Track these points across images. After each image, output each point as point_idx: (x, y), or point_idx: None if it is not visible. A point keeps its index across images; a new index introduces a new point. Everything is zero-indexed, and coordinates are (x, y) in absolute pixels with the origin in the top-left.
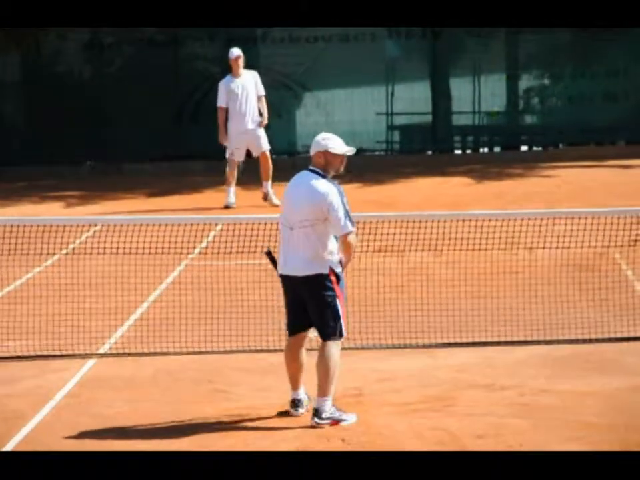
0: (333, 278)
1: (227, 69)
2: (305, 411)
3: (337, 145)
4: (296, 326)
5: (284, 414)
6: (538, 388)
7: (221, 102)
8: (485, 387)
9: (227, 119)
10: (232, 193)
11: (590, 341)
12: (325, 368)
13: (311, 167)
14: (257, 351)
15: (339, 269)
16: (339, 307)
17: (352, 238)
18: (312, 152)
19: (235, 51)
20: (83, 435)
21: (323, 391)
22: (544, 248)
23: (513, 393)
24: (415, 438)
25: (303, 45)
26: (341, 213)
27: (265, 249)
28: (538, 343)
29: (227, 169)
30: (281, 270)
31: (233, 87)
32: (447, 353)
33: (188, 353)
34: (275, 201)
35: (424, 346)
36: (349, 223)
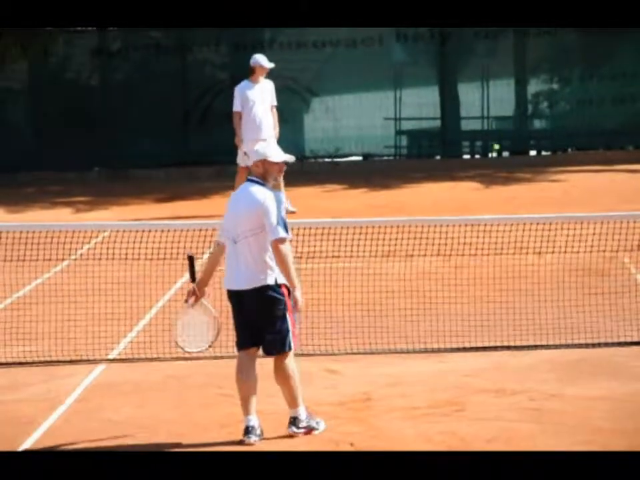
0: (283, 290)
1: (235, 74)
2: (258, 439)
3: (275, 153)
4: (246, 340)
5: (239, 443)
6: (547, 392)
7: (236, 107)
8: (494, 392)
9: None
10: None
11: (599, 345)
12: (286, 381)
13: (250, 177)
14: (264, 356)
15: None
16: (289, 321)
17: (283, 247)
18: (250, 162)
19: (263, 61)
20: (92, 440)
21: (293, 402)
22: (553, 252)
23: (523, 397)
24: (424, 442)
25: (310, 50)
26: (274, 219)
27: (187, 253)
28: (547, 347)
29: (237, 176)
30: (226, 285)
31: (249, 93)
32: (456, 357)
33: (196, 358)
34: (290, 207)
35: (433, 350)
36: (280, 229)
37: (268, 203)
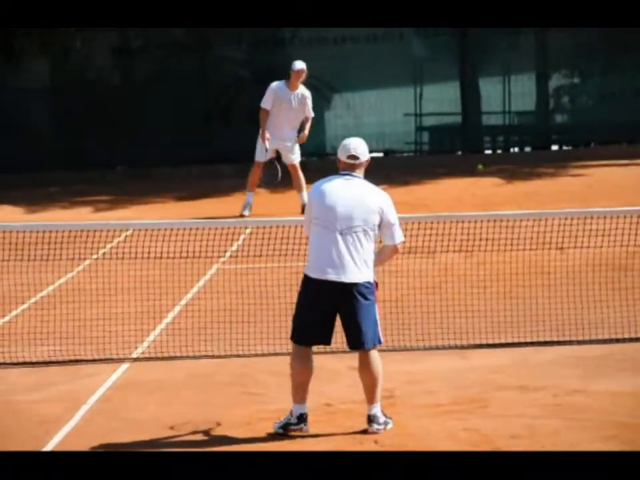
0: (375, 285)
1: (255, 71)
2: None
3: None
4: (317, 337)
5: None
6: (571, 388)
7: (266, 104)
8: (517, 388)
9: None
10: (250, 199)
11: (623, 340)
12: (375, 376)
13: (357, 174)
14: (288, 354)
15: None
16: (377, 314)
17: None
18: (365, 158)
19: (299, 64)
20: (115, 439)
21: (375, 397)
22: (575, 247)
23: (546, 393)
24: (447, 439)
25: (330, 47)
26: (397, 221)
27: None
28: (570, 343)
29: (252, 172)
30: (320, 274)
31: (282, 95)
32: (479, 354)
33: (220, 357)
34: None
35: (456, 347)
36: (401, 232)
37: (390, 204)
